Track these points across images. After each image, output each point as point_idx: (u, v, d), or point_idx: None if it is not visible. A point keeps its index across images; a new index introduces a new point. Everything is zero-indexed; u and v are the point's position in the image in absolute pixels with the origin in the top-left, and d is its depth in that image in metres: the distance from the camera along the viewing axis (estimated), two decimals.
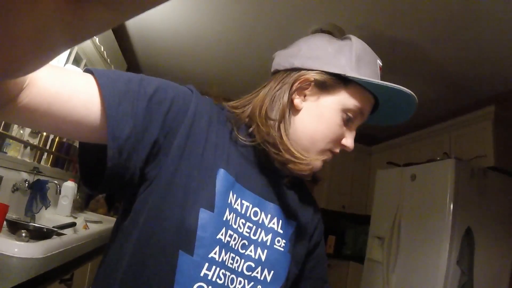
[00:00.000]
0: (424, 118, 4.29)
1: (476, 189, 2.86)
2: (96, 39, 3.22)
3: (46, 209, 2.30)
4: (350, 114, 0.82)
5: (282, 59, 0.86)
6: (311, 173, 0.84)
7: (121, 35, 3.92)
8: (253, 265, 0.78)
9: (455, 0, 2.37)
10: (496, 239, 2.86)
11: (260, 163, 0.84)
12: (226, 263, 0.73)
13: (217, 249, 0.71)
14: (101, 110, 0.60)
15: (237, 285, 0.75)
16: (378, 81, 0.80)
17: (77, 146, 2.87)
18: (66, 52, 3.02)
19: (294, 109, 0.83)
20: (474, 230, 2.75)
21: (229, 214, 0.74)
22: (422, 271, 2.85)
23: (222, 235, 0.72)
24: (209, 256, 0.70)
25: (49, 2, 0.18)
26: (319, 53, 0.83)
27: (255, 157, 0.83)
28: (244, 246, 0.77)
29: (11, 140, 2.14)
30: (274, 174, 0.85)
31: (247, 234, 0.78)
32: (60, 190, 2.48)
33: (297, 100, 0.82)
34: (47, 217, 2.35)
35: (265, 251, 0.80)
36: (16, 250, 1.26)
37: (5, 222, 1.53)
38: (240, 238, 0.76)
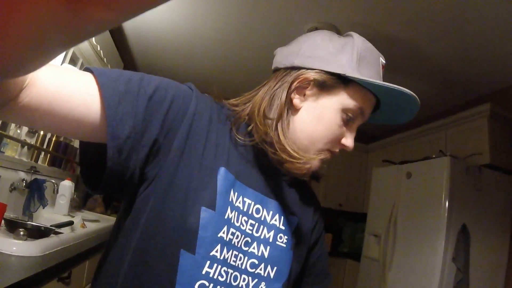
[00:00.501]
0: (420, 116, 4.30)
1: (472, 186, 2.88)
2: (93, 38, 3.22)
3: (43, 208, 2.31)
4: (350, 114, 0.81)
5: (283, 57, 0.86)
6: (309, 173, 0.84)
7: (118, 34, 3.92)
8: (256, 262, 0.78)
9: None
10: (491, 236, 2.88)
11: (259, 161, 0.83)
12: (228, 261, 0.73)
13: (218, 247, 0.71)
14: (101, 110, 0.60)
15: (241, 282, 0.76)
16: (379, 82, 0.79)
17: (74, 146, 2.88)
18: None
19: (293, 109, 0.83)
20: (469, 227, 2.77)
21: (231, 212, 0.75)
22: (418, 268, 2.87)
23: (223, 233, 0.72)
24: (211, 254, 0.70)
25: (48, 1, 0.18)
26: (320, 52, 0.82)
27: (254, 156, 0.83)
28: (247, 244, 0.77)
29: (8, 140, 2.15)
30: (274, 172, 0.85)
31: (250, 232, 0.78)
32: (57, 189, 2.48)
33: (296, 100, 0.82)
34: (45, 216, 2.35)
35: (268, 247, 0.80)
36: (14, 248, 1.27)
37: (3, 221, 1.53)
38: (243, 236, 0.77)
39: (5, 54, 0.20)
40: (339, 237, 5.11)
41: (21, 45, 0.20)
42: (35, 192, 2.24)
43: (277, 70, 0.87)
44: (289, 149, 0.78)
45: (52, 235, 1.63)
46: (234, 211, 0.75)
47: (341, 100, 0.81)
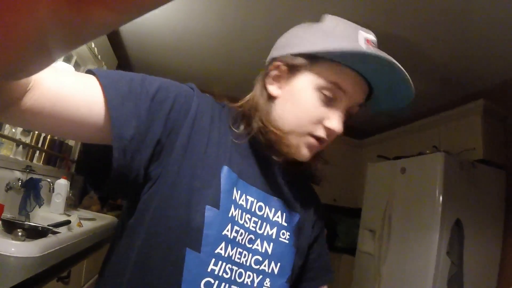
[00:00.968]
0: (414, 112, 4.33)
1: (465, 182, 2.90)
2: None
3: (39, 207, 2.30)
4: (326, 92, 0.77)
5: (270, 53, 0.87)
6: (302, 156, 0.81)
7: (111, 31, 3.90)
8: (260, 258, 0.79)
9: None
10: (485, 230, 2.91)
11: (259, 158, 0.84)
12: (233, 258, 0.74)
13: (223, 245, 0.72)
14: (104, 111, 0.61)
15: (246, 279, 0.77)
16: (342, 48, 0.73)
17: (69, 143, 2.87)
18: None
19: (272, 98, 0.83)
20: (463, 221, 2.80)
21: (235, 210, 0.76)
22: (413, 262, 2.90)
23: (228, 231, 0.74)
24: (215, 252, 0.71)
25: (49, 2, 0.18)
26: (292, 40, 0.82)
27: (254, 153, 0.84)
28: (251, 241, 0.78)
29: (3, 139, 2.14)
30: (276, 170, 0.86)
31: (253, 229, 0.79)
32: (53, 188, 2.48)
33: (270, 88, 0.83)
34: (41, 215, 2.35)
35: (271, 244, 0.81)
36: (13, 249, 1.27)
37: (0, 222, 1.53)
38: (247, 233, 0.78)
39: (7, 55, 0.20)
40: (334, 232, 5.14)
41: (23, 46, 0.20)
42: (31, 192, 2.23)
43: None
44: (271, 128, 0.79)
45: (50, 234, 1.63)
46: (237, 209, 0.76)
47: (312, 78, 0.78)
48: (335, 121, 0.77)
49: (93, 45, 3.36)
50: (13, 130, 2.24)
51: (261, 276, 0.79)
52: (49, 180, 2.39)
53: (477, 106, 3.18)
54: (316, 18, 0.85)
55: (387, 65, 0.72)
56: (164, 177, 0.71)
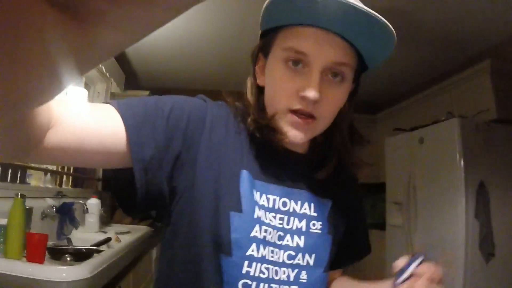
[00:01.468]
0: (423, 80, 4.33)
1: (483, 143, 2.92)
2: None
3: (76, 229, 2.39)
4: (290, 62, 0.73)
5: None
6: (299, 140, 0.76)
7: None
8: (293, 253, 0.80)
9: None
10: (508, 188, 2.93)
11: (276, 153, 0.82)
12: (267, 257, 0.76)
13: (254, 246, 0.74)
14: (126, 138, 0.65)
15: (282, 275, 0.78)
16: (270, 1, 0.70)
17: None
18: None
19: (262, 89, 0.82)
20: (486, 182, 2.82)
21: (259, 211, 0.77)
22: (443, 229, 2.93)
23: (256, 232, 0.75)
24: (247, 254, 0.74)
25: (56, 27, 0.18)
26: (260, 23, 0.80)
27: (270, 148, 0.81)
28: (280, 238, 0.79)
29: (31, 170, 2.23)
30: (294, 160, 0.85)
31: (281, 225, 0.80)
32: (87, 209, 2.56)
33: (258, 80, 0.83)
34: (78, 237, 2.44)
35: (302, 237, 0.81)
36: (64, 275, 1.31)
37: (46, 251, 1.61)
38: (275, 231, 0.78)
39: (19, 84, 0.20)
40: None
41: (35, 74, 0.20)
42: (66, 216, 2.32)
43: None
44: (260, 120, 0.78)
45: (95, 254, 1.70)
46: (261, 210, 0.77)
47: (276, 52, 0.76)
48: (307, 88, 0.70)
49: (100, 65, 3.43)
50: None
51: (296, 270, 0.80)
52: (81, 202, 2.48)
53: (484, 67, 3.17)
54: None
55: (343, 9, 0.64)
56: (190, 190, 0.75)
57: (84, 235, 2.48)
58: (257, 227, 0.76)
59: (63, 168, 2.64)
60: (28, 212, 1.71)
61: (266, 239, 0.77)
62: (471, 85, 3.37)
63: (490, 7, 2.87)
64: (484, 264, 2.71)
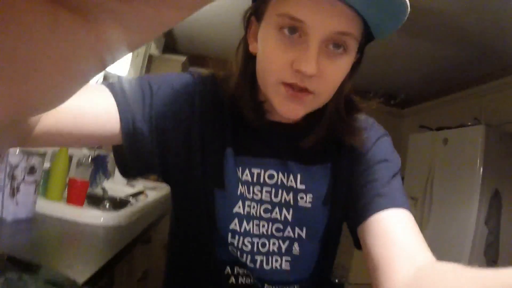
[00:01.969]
0: (455, 82, 4.31)
1: (504, 154, 2.97)
2: None
3: (107, 180, 2.55)
4: (285, 30, 0.63)
5: None
6: (293, 115, 0.69)
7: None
8: (281, 226, 0.79)
9: None
10: None
11: (264, 126, 0.78)
12: (251, 232, 0.78)
13: (236, 221, 0.77)
14: (118, 114, 0.67)
15: (271, 247, 0.79)
16: None
17: None
18: None
19: (254, 56, 0.74)
20: (501, 192, 2.89)
21: (242, 187, 0.77)
22: (452, 230, 3.03)
23: (239, 208, 0.77)
24: (230, 228, 0.77)
25: (68, 28, 0.18)
26: None
27: (256, 121, 0.77)
28: (267, 210, 0.79)
29: None
30: (279, 131, 0.79)
31: (267, 199, 0.78)
32: None
33: (250, 47, 0.75)
34: (109, 187, 2.59)
35: (290, 210, 0.79)
36: (102, 219, 1.41)
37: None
38: (259, 205, 0.78)
39: (31, 84, 0.20)
40: None
41: (52, 75, 0.20)
42: (99, 166, 2.47)
43: None
44: (245, 92, 0.75)
45: (129, 205, 1.83)
46: (244, 185, 0.77)
47: (270, 19, 0.66)
48: (303, 62, 0.62)
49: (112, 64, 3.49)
50: None
51: (287, 242, 0.79)
52: None
53: None
54: None
55: None
56: (178, 167, 0.77)
57: (114, 187, 2.63)
58: (239, 203, 0.77)
59: None
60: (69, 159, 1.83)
61: (250, 214, 0.78)
62: (501, 95, 3.38)
63: None
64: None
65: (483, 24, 3.07)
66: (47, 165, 1.60)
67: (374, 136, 0.82)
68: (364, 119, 0.83)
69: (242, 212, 0.77)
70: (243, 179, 0.77)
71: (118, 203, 1.81)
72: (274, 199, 0.79)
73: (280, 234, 0.79)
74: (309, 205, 0.79)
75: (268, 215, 0.79)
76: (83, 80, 0.22)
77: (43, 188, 1.52)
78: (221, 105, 0.78)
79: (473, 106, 3.74)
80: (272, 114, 0.77)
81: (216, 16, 3.95)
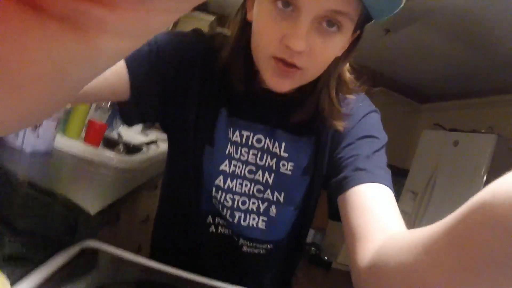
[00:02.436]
0: (476, 88, 4.29)
1: (511, 166, 2.98)
2: None
3: (122, 126, 2.62)
4: (279, 2, 0.63)
5: None
6: (279, 87, 0.71)
7: None
8: (262, 188, 0.83)
9: None
10: None
11: (258, 92, 0.80)
12: (234, 189, 0.82)
13: (221, 178, 0.81)
14: (126, 70, 0.71)
15: (251, 205, 0.83)
16: None
17: None
18: None
19: (250, 24, 0.73)
20: None
21: (230, 147, 0.81)
22: None
23: (226, 166, 0.81)
24: (215, 183, 0.82)
25: (57, 38, 0.17)
26: None
27: (252, 86, 0.80)
28: (251, 171, 0.83)
29: None
30: (272, 99, 0.80)
31: (253, 161, 0.82)
32: None
33: (248, 15, 0.74)
34: (124, 133, 2.67)
35: (272, 175, 0.83)
36: (115, 161, 1.47)
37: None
38: (244, 165, 0.82)
39: (30, 98, 0.19)
40: None
41: (43, 86, 0.19)
42: (117, 112, 2.53)
43: None
44: (239, 64, 0.77)
45: (141, 151, 1.89)
46: (233, 146, 0.81)
47: None
48: (292, 38, 0.62)
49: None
50: None
51: (266, 203, 0.84)
52: None
53: None
54: None
55: None
56: (175, 122, 0.83)
57: (129, 133, 2.70)
58: (226, 162, 0.81)
59: None
60: None
61: (236, 173, 0.82)
62: None
63: None
64: None
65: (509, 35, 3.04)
66: (68, 105, 1.62)
67: (362, 113, 0.82)
68: (355, 97, 0.84)
69: (227, 171, 0.81)
70: (232, 139, 0.81)
71: (131, 149, 1.87)
72: (259, 162, 0.82)
73: (260, 195, 0.83)
74: (289, 172, 0.83)
75: (252, 176, 0.83)
76: (77, 87, 0.22)
77: (63, 125, 1.56)
78: (220, 67, 0.80)
79: (489, 115, 3.75)
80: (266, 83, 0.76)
81: None
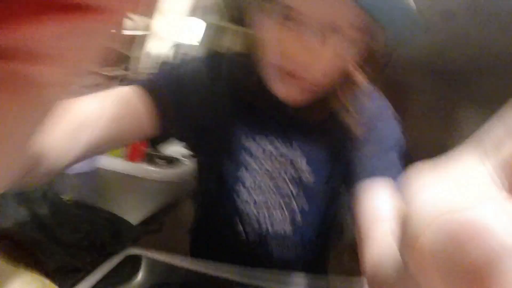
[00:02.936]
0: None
1: None
2: None
3: None
4: (279, 16, 0.62)
5: None
6: (287, 98, 0.70)
7: None
8: (287, 199, 0.85)
9: None
10: None
11: (274, 106, 0.75)
12: (260, 203, 0.85)
13: (246, 193, 0.85)
14: (154, 108, 0.72)
15: (277, 216, 0.86)
16: None
17: None
18: None
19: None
20: None
21: (255, 163, 0.83)
22: None
23: (251, 183, 0.84)
24: (240, 196, 0.85)
25: None
26: None
27: (268, 101, 0.76)
28: (276, 185, 0.85)
29: None
30: (287, 112, 0.76)
31: (276, 174, 0.84)
32: None
33: (252, 31, 0.72)
34: (164, 146, 2.72)
35: (295, 186, 0.85)
36: (157, 175, 1.53)
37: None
38: (269, 179, 0.84)
39: None
40: None
41: None
42: None
43: None
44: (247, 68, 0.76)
45: (181, 164, 1.94)
46: (257, 161, 0.83)
47: (265, 2, 0.64)
48: (295, 50, 0.62)
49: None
50: None
51: (292, 213, 0.86)
52: None
53: None
54: None
55: None
56: (202, 146, 0.87)
57: (170, 146, 2.75)
58: (251, 178, 0.83)
59: None
60: None
61: (260, 186, 0.83)
62: None
63: None
64: None
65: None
66: None
67: (379, 119, 0.80)
68: (372, 100, 0.80)
69: (251, 185, 0.83)
70: (257, 155, 0.82)
71: (171, 161, 1.93)
72: (283, 175, 0.83)
73: (286, 205, 0.84)
74: (312, 185, 0.82)
75: (276, 187, 0.84)
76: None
77: None
78: (236, 85, 0.80)
79: None
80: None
81: None
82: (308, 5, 0.59)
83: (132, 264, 0.76)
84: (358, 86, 0.76)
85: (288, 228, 0.86)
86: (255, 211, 0.84)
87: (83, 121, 0.57)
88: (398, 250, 0.26)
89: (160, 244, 1.11)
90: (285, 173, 0.82)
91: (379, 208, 0.64)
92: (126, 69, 2.29)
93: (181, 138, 0.89)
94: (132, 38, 2.45)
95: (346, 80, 0.73)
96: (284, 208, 0.84)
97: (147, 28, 2.57)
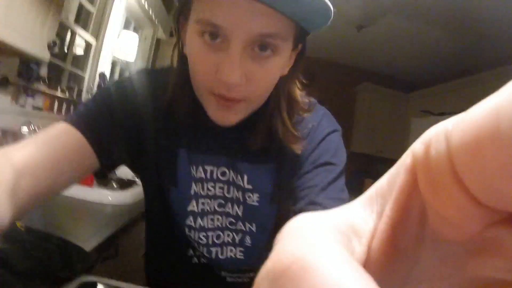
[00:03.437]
0: (460, 68, 4.34)
1: None
2: (145, 3, 3.42)
3: None
4: (206, 36, 0.60)
5: None
6: (224, 122, 0.68)
7: None
8: (233, 220, 0.82)
9: None
10: None
11: (207, 123, 0.71)
12: (206, 226, 0.81)
13: (191, 218, 0.80)
14: (88, 143, 0.69)
15: (226, 238, 0.83)
16: None
17: None
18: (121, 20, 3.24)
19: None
20: None
21: (195, 186, 0.79)
22: None
23: (193, 206, 0.80)
24: (186, 223, 0.81)
25: None
26: None
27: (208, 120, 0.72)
28: (221, 205, 0.81)
29: None
30: (227, 129, 0.72)
31: (221, 194, 0.80)
32: None
33: (184, 48, 0.70)
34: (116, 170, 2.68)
35: (241, 206, 0.81)
36: (110, 198, 1.48)
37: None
38: (213, 200, 0.81)
39: None
40: None
41: None
42: None
43: None
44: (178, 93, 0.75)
45: (134, 185, 1.91)
46: (198, 183, 0.79)
47: (192, 22, 0.63)
48: (225, 71, 0.59)
49: (147, 7, 3.53)
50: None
51: (240, 235, 0.82)
52: None
53: None
54: None
55: None
56: (142, 167, 0.84)
57: (122, 168, 2.71)
58: (193, 202, 0.80)
59: None
60: None
61: (205, 210, 0.81)
62: (506, 82, 3.38)
63: None
64: None
65: (483, 11, 3.10)
66: None
67: (320, 135, 0.80)
68: (312, 116, 0.80)
69: (196, 210, 0.80)
70: (197, 176, 0.79)
71: (125, 183, 1.90)
72: (226, 195, 0.80)
73: (233, 227, 0.82)
74: (256, 204, 0.80)
75: (222, 209, 0.81)
76: None
77: None
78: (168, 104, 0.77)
79: (477, 93, 3.76)
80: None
81: None
82: (232, 21, 0.57)
83: None
84: (296, 101, 0.77)
85: (238, 250, 0.84)
86: (201, 235, 0.81)
87: (20, 171, 0.55)
88: None
89: (117, 268, 1.08)
90: (228, 193, 0.80)
91: None
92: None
93: (124, 163, 0.84)
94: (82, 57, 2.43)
95: (283, 97, 0.74)
96: (232, 230, 0.83)
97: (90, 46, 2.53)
